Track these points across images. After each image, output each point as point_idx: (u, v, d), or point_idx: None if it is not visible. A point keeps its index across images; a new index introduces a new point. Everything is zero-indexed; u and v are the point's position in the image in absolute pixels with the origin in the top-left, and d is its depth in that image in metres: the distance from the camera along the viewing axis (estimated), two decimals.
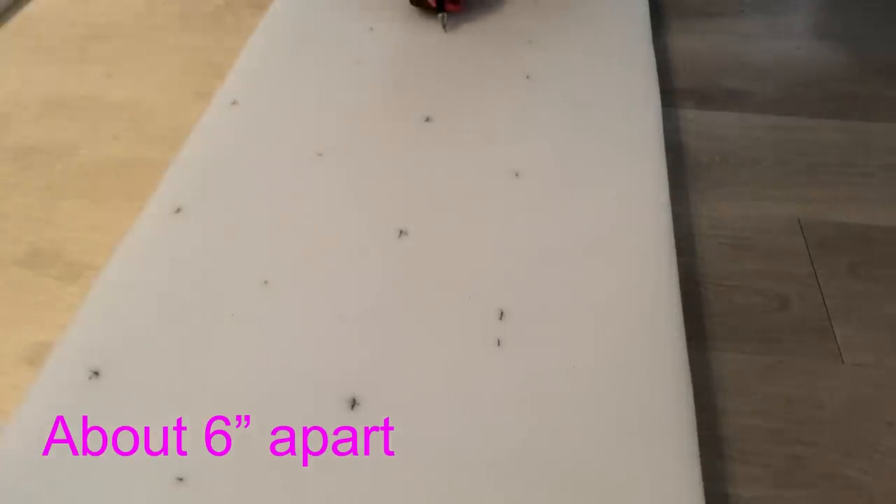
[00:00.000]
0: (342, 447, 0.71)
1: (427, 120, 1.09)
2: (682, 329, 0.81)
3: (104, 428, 0.73)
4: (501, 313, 0.83)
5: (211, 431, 0.73)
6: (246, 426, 0.73)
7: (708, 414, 0.76)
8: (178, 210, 0.94)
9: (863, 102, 1.21)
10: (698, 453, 0.70)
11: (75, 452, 0.71)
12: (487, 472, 0.70)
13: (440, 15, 1.15)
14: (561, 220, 0.93)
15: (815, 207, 1.01)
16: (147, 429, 0.73)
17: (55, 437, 0.72)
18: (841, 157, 1.10)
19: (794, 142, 1.13)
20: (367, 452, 0.71)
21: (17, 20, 1.43)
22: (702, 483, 0.68)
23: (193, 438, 0.72)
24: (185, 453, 0.71)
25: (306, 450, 0.71)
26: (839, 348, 0.84)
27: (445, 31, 1.15)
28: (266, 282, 0.86)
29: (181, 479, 0.69)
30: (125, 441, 0.72)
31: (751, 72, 1.28)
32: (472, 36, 1.29)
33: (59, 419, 0.73)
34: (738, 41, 1.36)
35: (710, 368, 0.83)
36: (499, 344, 0.80)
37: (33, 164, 1.10)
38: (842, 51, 1.34)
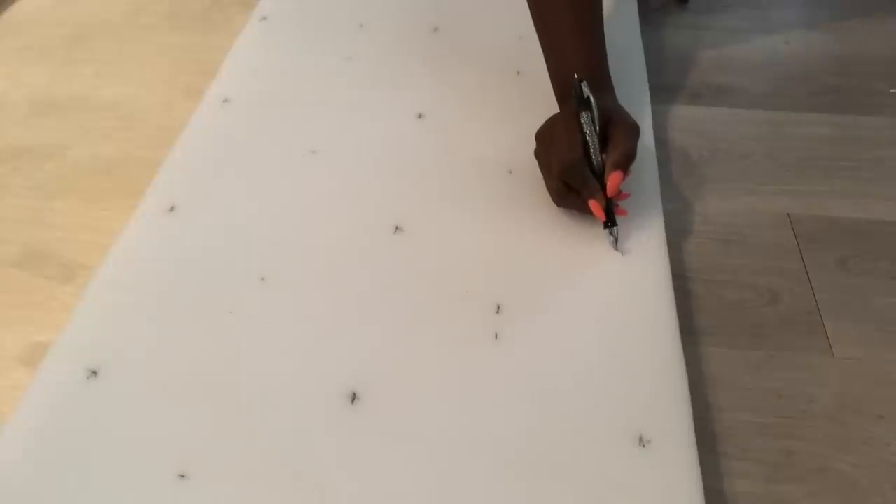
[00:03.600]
0: (343, 442, 0.72)
1: (419, 116, 1.10)
2: (677, 322, 0.82)
3: (104, 427, 0.73)
4: (498, 307, 0.84)
5: (211, 428, 0.73)
6: (246, 422, 0.73)
7: (699, 409, 0.77)
8: (172, 208, 0.95)
9: (852, 96, 1.21)
10: (696, 448, 0.71)
11: (75, 452, 0.71)
12: (486, 465, 0.70)
13: (612, 229, 0.89)
14: (554, 216, 0.94)
15: (805, 202, 1.02)
16: (147, 427, 0.73)
17: (54, 437, 0.72)
18: (830, 152, 1.10)
19: (783, 136, 1.13)
20: (368, 447, 0.72)
21: (3, 20, 1.42)
22: (701, 479, 0.69)
23: (193, 435, 0.72)
24: (185, 450, 0.71)
25: (307, 445, 0.72)
26: (829, 342, 0.85)
27: (616, 248, 0.90)
28: (263, 279, 0.86)
29: (182, 476, 0.69)
30: (125, 440, 0.72)
31: (739, 67, 1.29)
32: (462, 32, 1.29)
33: (58, 419, 0.74)
34: (726, 36, 1.37)
35: (701, 363, 0.83)
36: (496, 338, 0.81)
37: (23, 165, 1.09)
38: (830, 45, 1.34)
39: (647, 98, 1.14)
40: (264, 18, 1.33)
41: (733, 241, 0.97)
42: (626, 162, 0.89)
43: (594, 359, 0.79)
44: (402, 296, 0.86)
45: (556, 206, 0.94)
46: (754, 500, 0.72)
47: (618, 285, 0.86)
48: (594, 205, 0.88)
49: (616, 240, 0.89)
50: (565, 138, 0.90)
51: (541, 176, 0.95)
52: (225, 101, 1.13)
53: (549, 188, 0.94)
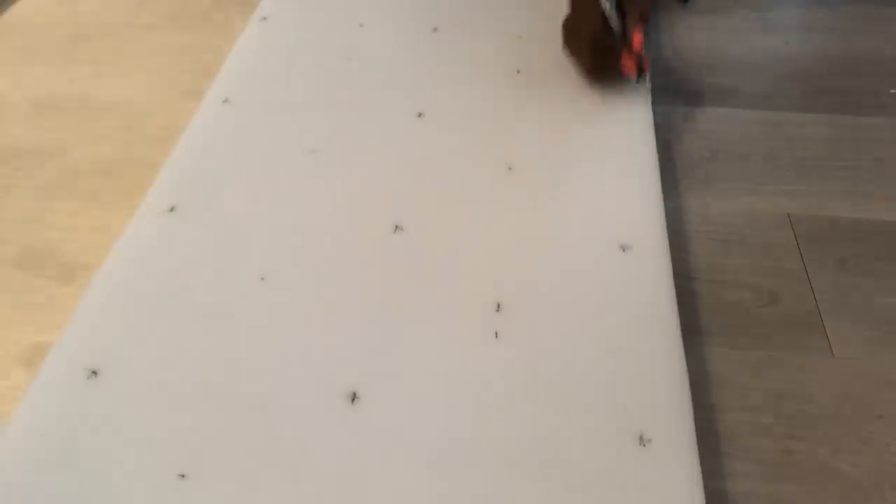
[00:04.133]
0: (343, 441, 0.72)
1: (419, 115, 1.10)
2: (678, 322, 0.82)
3: (104, 427, 0.73)
4: (498, 306, 0.84)
5: (211, 428, 0.73)
6: (246, 422, 0.73)
7: (700, 409, 0.77)
8: (173, 209, 0.95)
9: (851, 97, 1.21)
10: (696, 448, 0.71)
11: (75, 452, 0.71)
12: (486, 464, 0.70)
13: (642, 81, 1.11)
14: (554, 214, 0.94)
15: (805, 202, 1.02)
16: (147, 427, 0.73)
17: (55, 438, 0.72)
18: (830, 152, 1.10)
19: (783, 137, 1.13)
20: (367, 446, 0.72)
21: (4, 21, 1.42)
22: (701, 479, 0.69)
23: (193, 435, 0.72)
24: (185, 450, 0.71)
25: (307, 445, 0.72)
26: (829, 343, 0.85)
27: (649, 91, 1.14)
28: (263, 278, 0.86)
29: (183, 476, 0.69)
30: (125, 440, 0.72)
31: (739, 67, 1.29)
32: (462, 31, 1.29)
33: (58, 419, 0.74)
34: (727, 37, 1.37)
35: (702, 364, 0.83)
36: (496, 336, 0.81)
37: (24, 166, 1.09)
38: (830, 45, 1.34)
39: (647, 98, 1.14)
40: (265, 19, 1.33)
41: (733, 241, 0.97)
42: (643, 19, 1.05)
43: (594, 358, 0.79)
44: (402, 294, 0.86)
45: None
46: (754, 500, 0.72)
47: (618, 285, 0.86)
48: (627, 64, 1.07)
49: (648, 89, 1.12)
50: (586, 17, 1.09)
51: (540, 176, 0.96)
52: (225, 101, 1.13)
53: (582, 69, 1.14)
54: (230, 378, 0.77)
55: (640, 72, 1.07)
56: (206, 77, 1.20)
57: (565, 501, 0.68)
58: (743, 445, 0.76)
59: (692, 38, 1.36)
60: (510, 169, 1.00)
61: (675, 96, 1.21)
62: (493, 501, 0.68)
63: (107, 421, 0.73)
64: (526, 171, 1.00)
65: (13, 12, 1.44)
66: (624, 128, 1.07)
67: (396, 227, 0.92)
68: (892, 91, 1.22)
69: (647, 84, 1.12)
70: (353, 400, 0.75)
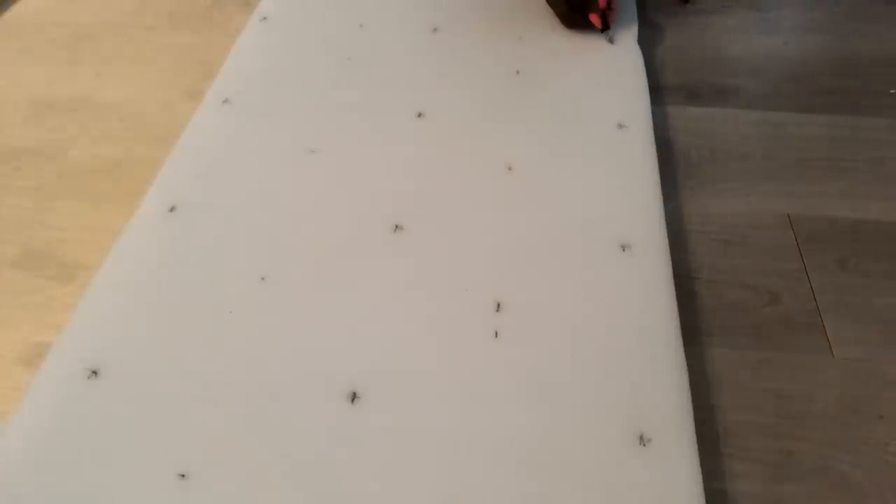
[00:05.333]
0: (343, 441, 0.72)
1: (419, 115, 1.10)
2: (678, 322, 0.82)
3: (104, 427, 0.73)
4: (498, 305, 0.84)
5: (211, 428, 0.73)
6: (246, 422, 0.73)
7: (700, 409, 0.77)
8: (173, 209, 0.95)
9: (850, 97, 1.21)
10: (696, 447, 0.71)
11: (75, 452, 0.71)
12: (486, 463, 0.71)
13: (607, 32, 1.27)
14: (554, 214, 0.94)
15: (804, 202, 1.02)
16: (147, 427, 0.73)
17: (55, 437, 0.72)
18: (829, 152, 1.10)
19: (783, 137, 1.13)
20: (367, 446, 0.72)
21: (4, 21, 1.42)
22: (701, 478, 0.69)
23: (194, 435, 0.72)
24: (185, 450, 0.71)
25: (307, 445, 0.72)
26: (829, 343, 0.85)
27: (612, 42, 1.27)
28: (263, 278, 0.86)
29: (183, 476, 0.69)
30: (125, 439, 0.72)
31: (739, 67, 1.29)
32: (462, 32, 1.29)
33: (58, 419, 0.74)
34: (726, 37, 1.37)
35: (702, 364, 0.83)
36: (496, 335, 0.81)
37: (24, 166, 1.09)
38: (829, 46, 1.34)
39: (646, 98, 1.14)
40: (264, 19, 1.33)
41: (733, 241, 0.96)
42: None
43: (594, 358, 0.79)
44: (402, 294, 0.86)
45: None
46: (754, 500, 0.72)
47: (618, 285, 0.86)
48: (594, 17, 1.25)
49: (611, 39, 1.27)
50: None
51: (540, 176, 0.96)
52: (225, 101, 1.13)
53: (558, 15, 1.29)
54: (230, 378, 0.77)
55: (605, 24, 1.25)
56: (206, 77, 1.20)
57: (565, 501, 0.68)
58: (743, 445, 0.76)
59: (691, 37, 1.36)
60: (510, 169, 1.01)
61: (675, 96, 1.21)
62: (492, 500, 0.68)
63: (107, 421, 0.73)
64: (526, 171, 1.00)
65: (13, 12, 1.44)
66: (624, 128, 1.07)
67: (396, 227, 0.93)
68: (891, 91, 1.22)
69: (609, 37, 1.27)
70: (353, 400, 0.75)
